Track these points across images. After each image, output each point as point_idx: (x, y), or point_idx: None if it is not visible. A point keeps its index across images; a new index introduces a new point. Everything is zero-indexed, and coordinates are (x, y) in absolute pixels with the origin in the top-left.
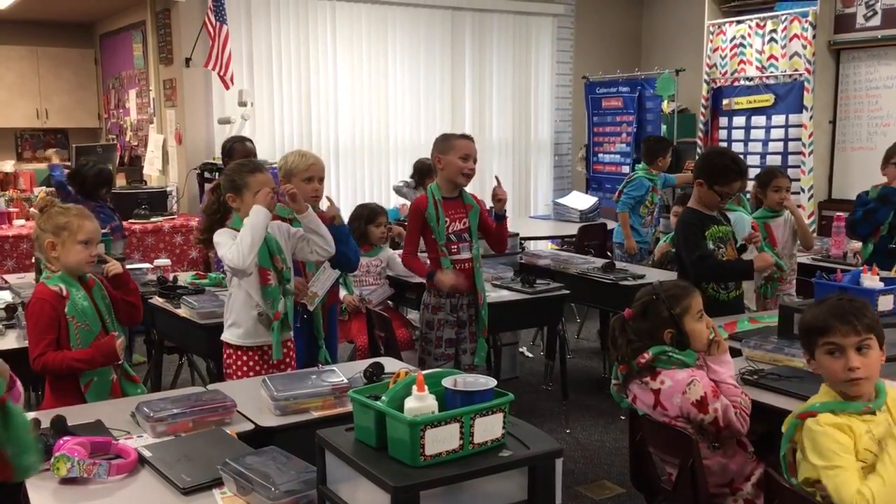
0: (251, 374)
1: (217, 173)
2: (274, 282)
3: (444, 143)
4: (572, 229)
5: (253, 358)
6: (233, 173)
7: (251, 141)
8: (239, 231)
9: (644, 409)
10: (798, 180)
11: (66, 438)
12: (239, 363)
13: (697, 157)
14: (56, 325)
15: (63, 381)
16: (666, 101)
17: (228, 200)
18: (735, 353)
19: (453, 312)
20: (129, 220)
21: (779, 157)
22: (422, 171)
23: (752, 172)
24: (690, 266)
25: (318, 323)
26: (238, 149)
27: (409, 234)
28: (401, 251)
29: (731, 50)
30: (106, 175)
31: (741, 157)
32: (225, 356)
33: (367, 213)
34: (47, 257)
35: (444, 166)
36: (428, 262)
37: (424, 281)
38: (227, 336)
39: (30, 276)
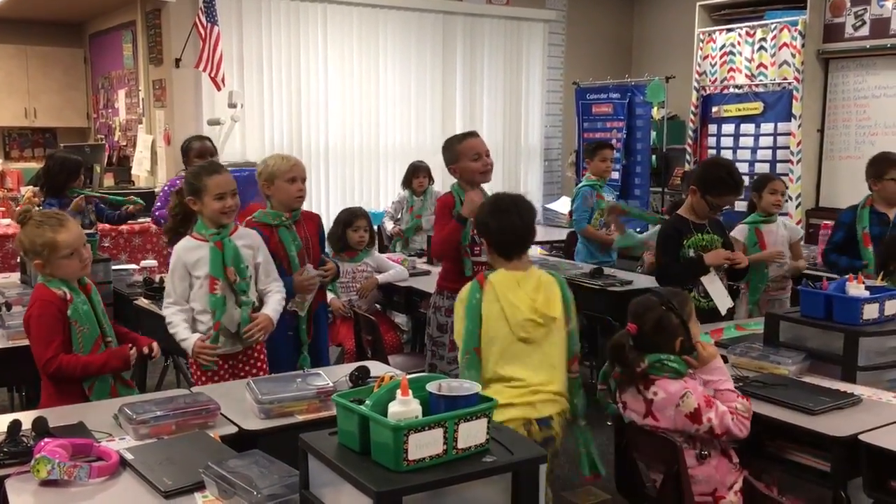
0: (215, 378)
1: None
2: (220, 292)
3: (451, 152)
4: (561, 234)
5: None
6: (192, 176)
7: (210, 139)
8: (203, 237)
9: (634, 417)
10: (786, 188)
11: (47, 440)
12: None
13: (696, 166)
14: (62, 327)
15: (67, 383)
16: (656, 108)
17: (189, 203)
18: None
19: None
20: None
21: (767, 165)
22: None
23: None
24: (659, 273)
25: (302, 329)
26: (195, 146)
27: (438, 223)
28: (389, 253)
29: (720, 58)
30: (71, 165)
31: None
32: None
33: (345, 217)
34: (41, 274)
35: (461, 173)
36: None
37: (439, 270)
38: None
39: (15, 276)
